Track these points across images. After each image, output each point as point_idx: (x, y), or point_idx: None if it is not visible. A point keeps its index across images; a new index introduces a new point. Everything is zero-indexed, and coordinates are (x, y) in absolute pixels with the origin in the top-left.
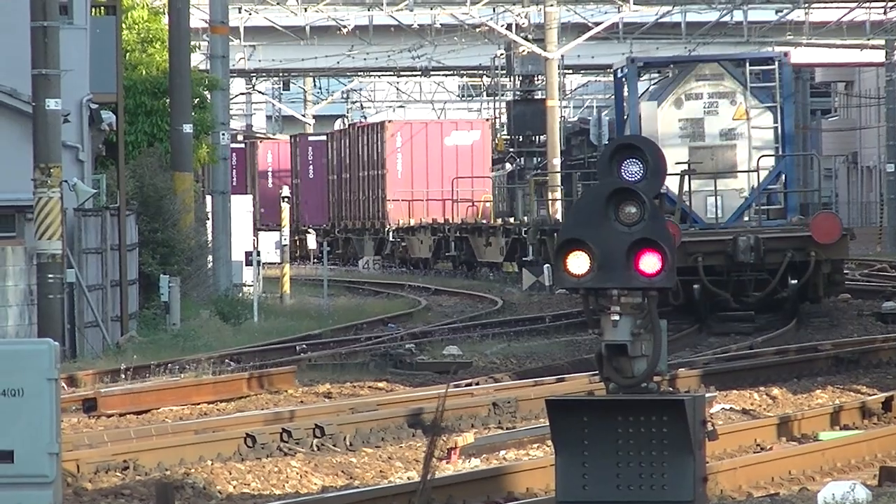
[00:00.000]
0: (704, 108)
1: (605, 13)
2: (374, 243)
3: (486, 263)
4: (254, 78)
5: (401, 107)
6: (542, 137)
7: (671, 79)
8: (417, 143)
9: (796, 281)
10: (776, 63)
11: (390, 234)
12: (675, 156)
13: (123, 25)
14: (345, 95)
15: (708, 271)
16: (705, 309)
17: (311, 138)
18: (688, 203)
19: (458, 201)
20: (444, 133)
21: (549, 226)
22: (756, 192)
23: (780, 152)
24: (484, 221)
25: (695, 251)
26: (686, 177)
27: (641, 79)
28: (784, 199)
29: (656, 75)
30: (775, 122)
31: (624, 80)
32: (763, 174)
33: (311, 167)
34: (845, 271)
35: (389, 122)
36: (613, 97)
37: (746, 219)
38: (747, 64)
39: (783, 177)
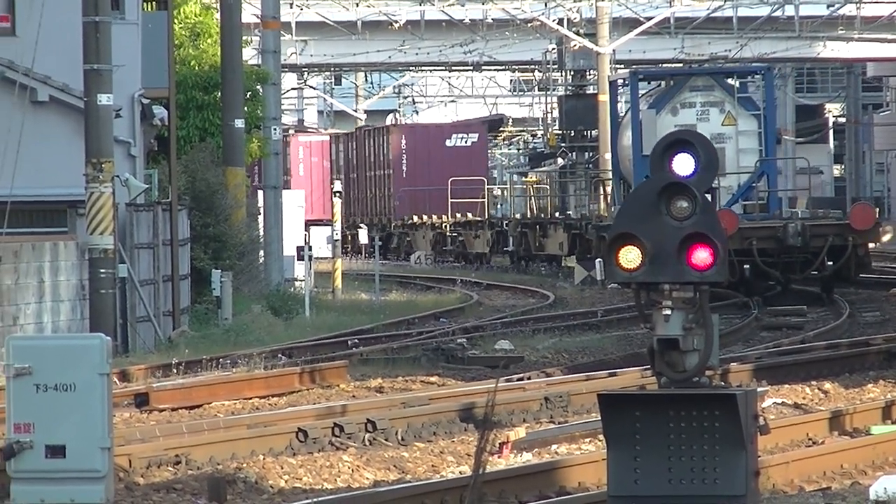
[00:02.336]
0: (697, 115)
1: (657, 8)
2: (382, 238)
3: (476, 254)
4: (305, 73)
5: (452, 101)
6: (593, 132)
7: (668, 89)
8: (420, 145)
9: (832, 262)
10: (761, 75)
11: (396, 229)
12: None
13: (175, 20)
14: (396, 90)
15: (760, 253)
16: (755, 286)
17: (300, 138)
18: None
19: (460, 200)
20: (444, 135)
21: (530, 220)
22: (743, 189)
23: (764, 155)
24: (478, 219)
25: (750, 235)
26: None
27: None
28: (767, 197)
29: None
30: (759, 127)
31: (620, 89)
32: (744, 176)
33: (301, 165)
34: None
35: (394, 125)
36: (609, 104)
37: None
38: (735, 76)
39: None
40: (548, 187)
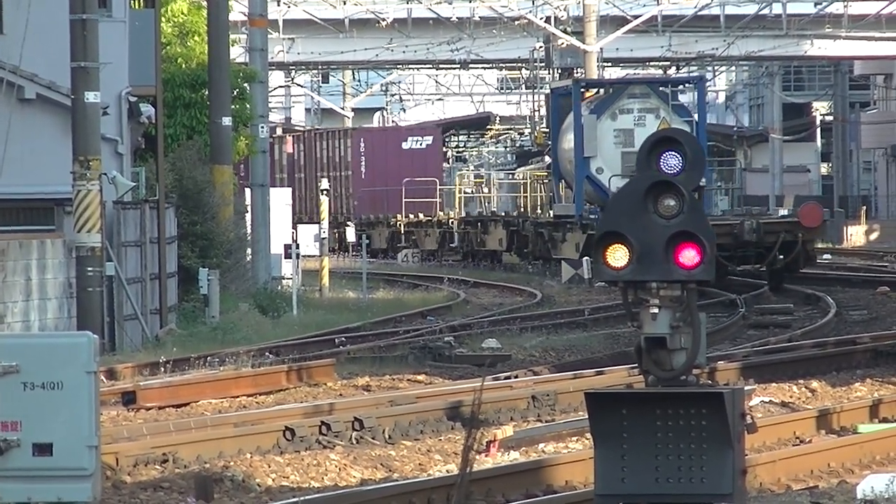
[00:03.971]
0: (634, 120)
1: (644, 6)
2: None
3: (428, 251)
4: (293, 71)
5: (439, 100)
6: None
7: (608, 96)
8: (378, 148)
9: (783, 256)
10: (694, 85)
11: (355, 227)
12: (611, 159)
13: (162, 18)
14: (384, 88)
15: (718, 248)
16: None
17: None
18: None
19: (417, 199)
20: (401, 138)
21: (472, 218)
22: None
23: None
24: (428, 218)
25: None
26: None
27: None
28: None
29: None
30: (692, 132)
31: (560, 96)
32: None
33: (241, 166)
34: (884, 263)
35: (353, 129)
36: (551, 111)
37: None
38: (670, 85)
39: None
40: (487, 187)
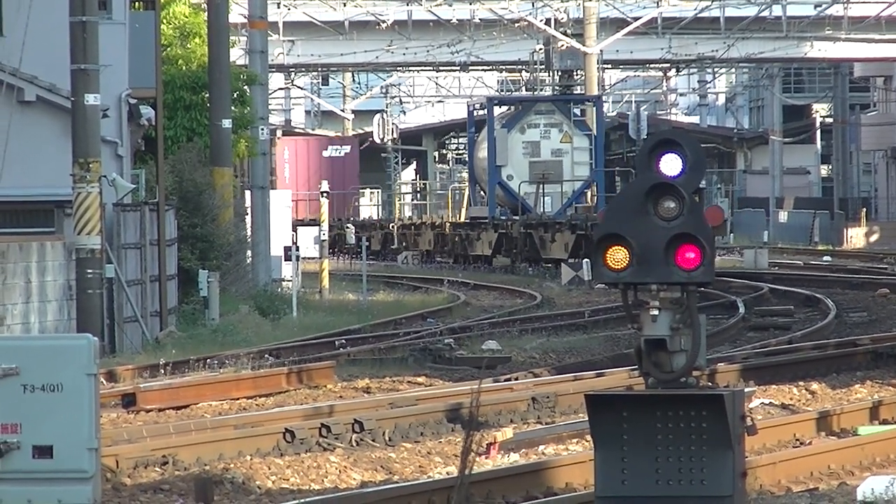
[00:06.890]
0: (541, 133)
1: (644, 8)
2: None
3: (373, 251)
4: (293, 73)
5: (439, 102)
6: None
7: (517, 112)
8: (301, 155)
9: None
10: (592, 103)
11: None
12: (519, 167)
13: (163, 20)
14: (384, 90)
15: None
16: None
17: None
18: (531, 201)
19: (358, 205)
20: (321, 147)
21: (408, 223)
22: (577, 194)
23: (594, 167)
24: (373, 221)
25: None
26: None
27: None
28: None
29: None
30: (591, 145)
31: (475, 112)
32: (578, 184)
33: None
34: (884, 265)
35: (279, 138)
36: (466, 126)
37: (569, 213)
38: (571, 104)
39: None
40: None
